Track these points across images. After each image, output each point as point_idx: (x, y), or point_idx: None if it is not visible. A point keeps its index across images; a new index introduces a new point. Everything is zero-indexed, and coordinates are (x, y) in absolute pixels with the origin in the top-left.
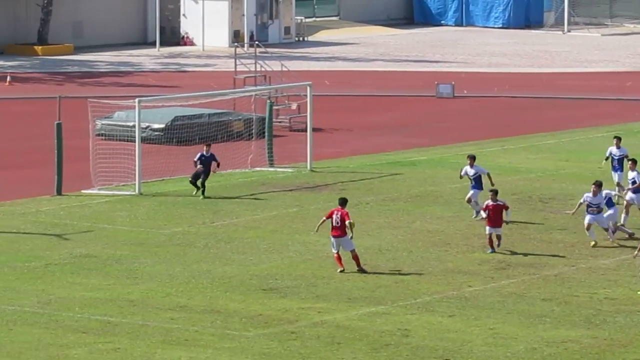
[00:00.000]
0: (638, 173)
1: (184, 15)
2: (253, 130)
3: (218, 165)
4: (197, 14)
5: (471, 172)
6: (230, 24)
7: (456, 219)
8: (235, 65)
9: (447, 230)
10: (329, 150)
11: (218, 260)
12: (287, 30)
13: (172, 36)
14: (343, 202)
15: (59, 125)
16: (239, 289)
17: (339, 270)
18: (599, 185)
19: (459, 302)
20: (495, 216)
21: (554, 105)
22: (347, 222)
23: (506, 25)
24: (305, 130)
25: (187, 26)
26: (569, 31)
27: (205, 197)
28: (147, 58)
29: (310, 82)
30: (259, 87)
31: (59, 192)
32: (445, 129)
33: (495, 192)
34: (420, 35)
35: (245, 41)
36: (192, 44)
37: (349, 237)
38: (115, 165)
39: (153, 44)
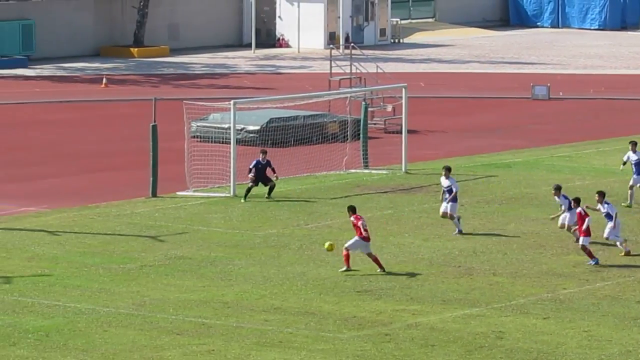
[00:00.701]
0: None
1: (279, 17)
2: (348, 132)
3: (274, 172)
4: (293, 16)
5: (445, 183)
6: (326, 26)
7: (551, 221)
8: (331, 67)
9: (542, 232)
10: (423, 152)
11: (312, 262)
12: (382, 32)
13: (268, 38)
14: (355, 209)
15: (154, 127)
16: (333, 290)
17: (343, 269)
18: (602, 194)
19: (554, 305)
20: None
21: None
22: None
23: (602, 27)
24: (400, 132)
25: (283, 28)
26: None
27: (269, 198)
28: (242, 60)
29: (405, 84)
30: (354, 89)
31: (154, 194)
32: (540, 130)
33: (577, 201)
34: (516, 37)
35: (341, 43)
36: (287, 45)
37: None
38: (210, 167)
39: (248, 46)
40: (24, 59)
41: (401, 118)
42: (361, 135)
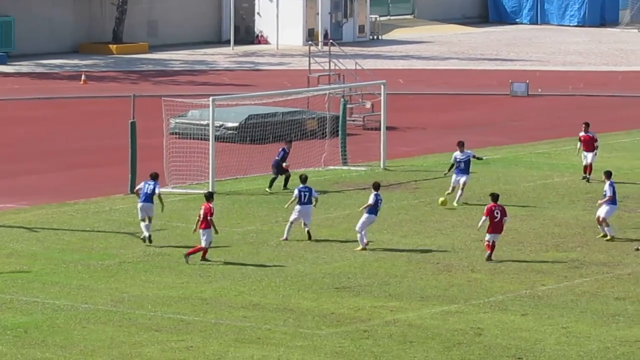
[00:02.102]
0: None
1: (258, 13)
2: (327, 129)
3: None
4: (272, 13)
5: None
6: (305, 23)
7: (529, 217)
8: (310, 63)
9: (521, 228)
10: (402, 148)
11: (291, 259)
12: (361, 28)
13: (247, 35)
14: (209, 196)
15: (133, 124)
16: (311, 287)
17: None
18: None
19: (532, 301)
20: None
21: (628, 103)
22: (209, 218)
23: (581, 24)
24: (379, 129)
25: (262, 25)
26: None
27: (285, 189)
28: (221, 57)
29: (384, 81)
30: (333, 86)
31: (133, 191)
32: (519, 127)
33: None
34: (495, 34)
35: (320, 40)
36: (266, 42)
37: (211, 231)
38: (189, 164)
39: (227, 43)
40: (3, 56)
41: (380, 115)
42: (340, 132)
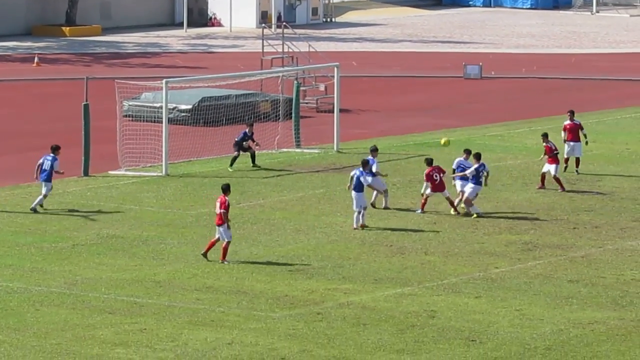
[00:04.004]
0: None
1: None
2: (280, 111)
3: (253, 141)
4: None
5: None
6: (258, 5)
7: (483, 200)
8: (263, 46)
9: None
10: (356, 131)
11: (244, 241)
12: (314, 11)
13: (200, 17)
14: (225, 188)
15: (86, 107)
16: (265, 269)
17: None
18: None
19: (486, 284)
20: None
21: (581, 86)
22: (221, 211)
23: (534, 6)
24: (333, 111)
25: (215, 7)
26: (597, 12)
27: (254, 166)
28: (174, 39)
29: (337, 63)
30: (286, 68)
31: (86, 173)
32: (472, 110)
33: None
34: (448, 16)
35: (273, 22)
36: (219, 25)
37: (226, 226)
38: (142, 147)
39: (181, 25)
40: None
41: (333, 97)
42: (293, 115)
